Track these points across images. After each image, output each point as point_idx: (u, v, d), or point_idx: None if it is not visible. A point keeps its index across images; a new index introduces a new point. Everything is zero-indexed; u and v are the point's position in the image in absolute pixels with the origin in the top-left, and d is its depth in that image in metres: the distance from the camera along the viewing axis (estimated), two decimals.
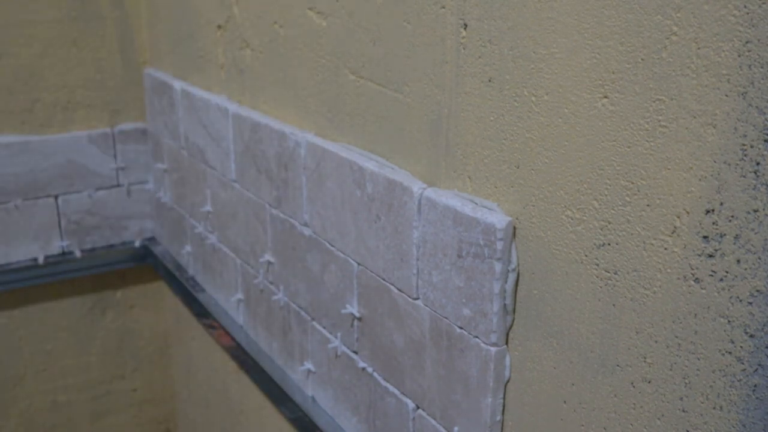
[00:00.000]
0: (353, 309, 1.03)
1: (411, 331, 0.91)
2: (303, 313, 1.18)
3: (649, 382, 0.64)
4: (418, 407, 0.93)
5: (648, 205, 0.62)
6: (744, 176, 0.54)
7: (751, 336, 0.55)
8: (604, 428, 0.70)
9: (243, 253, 1.37)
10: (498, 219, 0.75)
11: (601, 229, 0.67)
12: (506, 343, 0.80)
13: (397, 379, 0.96)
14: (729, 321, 0.57)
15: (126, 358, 1.97)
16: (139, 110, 1.79)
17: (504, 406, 0.81)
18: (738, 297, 0.56)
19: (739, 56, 0.53)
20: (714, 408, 0.59)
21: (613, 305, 0.67)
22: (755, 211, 0.54)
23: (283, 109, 1.18)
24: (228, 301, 1.48)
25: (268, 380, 1.30)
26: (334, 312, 1.08)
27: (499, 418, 0.81)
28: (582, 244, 0.69)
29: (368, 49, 0.94)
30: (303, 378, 1.22)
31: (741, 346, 0.56)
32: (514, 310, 0.78)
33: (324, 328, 1.12)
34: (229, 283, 1.46)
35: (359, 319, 1.02)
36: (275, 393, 1.27)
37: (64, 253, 1.77)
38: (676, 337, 0.61)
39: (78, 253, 1.77)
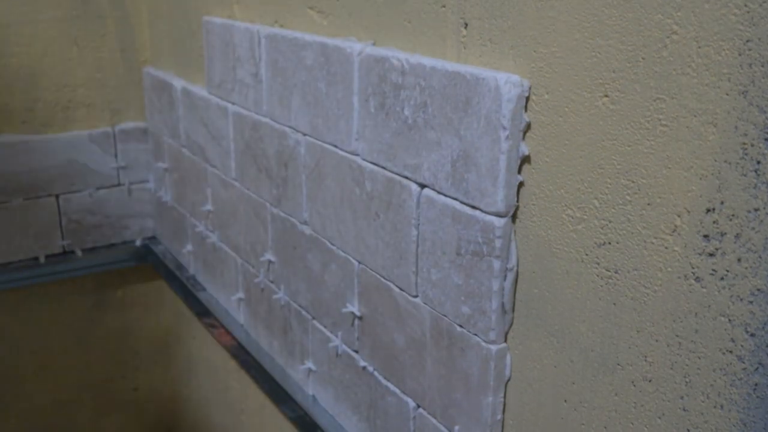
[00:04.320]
0: (354, 308, 1.02)
1: (411, 330, 0.91)
2: (303, 312, 1.18)
3: (650, 381, 0.64)
4: (418, 406, 0.93)
5: (648, 204, 0.62)
6: (744, 175, 0.54)
7: (752, 335, 0.55)
8: (605, 427, 0.70)
9: (244, 252, 1.37)
10: (496, 217, 0.75)
11: (602, 228, 0.67)
12: (506, 342, 0.80)
13: (398, 378, 0.96)
14: (729, 320, 0.57)
15: (126, 357, 1.97)
16: (140, 109, 1.79)
17: (504, 405, 0.81)
18: (738, 296, 0.56)
19: (739, 55, 0.53)
20: (715, 407, 0.59)
21: (614, 304, 0.67)
22: (756, 209, 0.54)
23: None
24: (229, 300, 1.49)
25: (269, 379, 1.30)
26: (334, 311, 1.08)
27: (499, 417, 0.81)
28: (582, 243, 0.69)
29: None
30: (304, 377, 1.22)
31: (742, 345, 0.56)
32: (513, 309, 0.78)
33: (325, 327, 1.12)
34: (230, 282, 1.46)
35: (360, 318, 1.02)
36: (276, 392, 1.27)
37: (65, 253, 1.77)
38: (677, 335, 0.61)
39: (79, 253, 1.77)
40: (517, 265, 0.77)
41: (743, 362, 0.56)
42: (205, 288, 1.61)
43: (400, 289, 0.92)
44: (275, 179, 1.19)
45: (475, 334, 0.80)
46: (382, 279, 0.95)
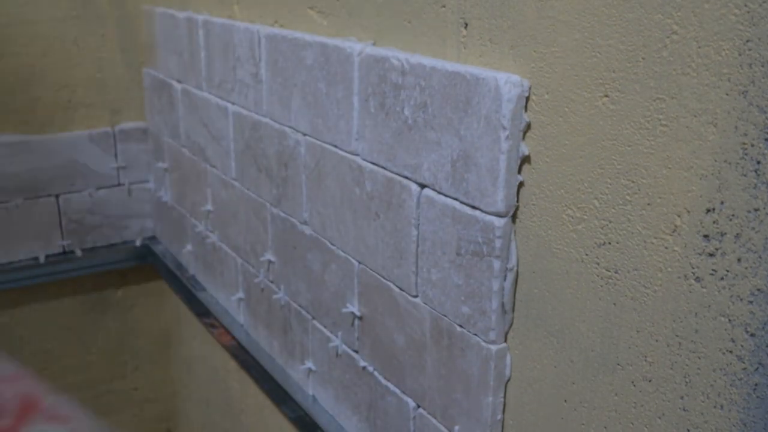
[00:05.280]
0: (354, 308, 1.03)
1: (411, 330, 0.91)
2: (304, 312, 1.18)
3: (650, 381, 0.64)
4: (418, 406, 0.93)
5: (648, 204, 0.62)
6: (744, 175, 0.54)
7: (752, 335, 0.55)
8: (605, 427, 0.70)
9: (244, 252, 1.37)
10: (496, 217, 0.75)
11: (602, 228, 0.67)
12: (506, 342, 0.80)
13: (398, 378, 0.96)
14: (729, 320, 0.57)
15: (127, 357, 1.97)
16: (140, 109, 1.79)
17: (504, 405, 0.81)
18: (739, 296, 0.56)
19: (739, 55, 0.53)
20: (715, 407, 0.59)
21: (614, 304, 0.67)
22: (756, 210, 0.54)
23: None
24: (229, 300, 1.49)
25: (269, 379, 1.30)
26: (334, 311, 1.08)
27: (499, 417, 0.81)
28: (582, 243, 0.69)
29: None
30: (304, 377, 1.22)
31: (742, 345, 0.56)
32: (513, 309, 0.78)
33: (325, 327, 1.12)
34: (230, 282, 1.47)
35: (360, 318, 1.02)
36: (276, 392, 1.27)
37: (65, 252, 1.77)
38: (677, 335, 0.61)
39: (79, 252, 1.77)
40: (517, 265, 0.77)
41: (743, 362, 0.56)
42: (205, 288, 1.61)
43: (400, 289, 0.92)
44: (275, 179, 1.19)
45: (475, 334, 0.80)
46: (382, 279, 0.95)
